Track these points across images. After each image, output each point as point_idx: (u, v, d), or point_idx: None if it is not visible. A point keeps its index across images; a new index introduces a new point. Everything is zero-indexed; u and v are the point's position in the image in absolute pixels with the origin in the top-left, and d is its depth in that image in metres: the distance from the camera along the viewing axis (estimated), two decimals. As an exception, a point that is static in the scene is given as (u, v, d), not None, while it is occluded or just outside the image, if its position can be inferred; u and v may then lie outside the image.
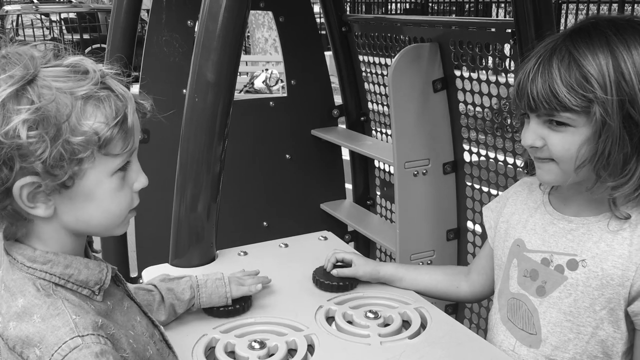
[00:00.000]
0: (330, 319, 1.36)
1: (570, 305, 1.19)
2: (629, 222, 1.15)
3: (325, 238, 1.80)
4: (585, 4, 9.39)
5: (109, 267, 0.97)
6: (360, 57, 2.73)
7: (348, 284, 1.48)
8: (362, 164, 2.87)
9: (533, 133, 1.15)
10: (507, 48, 2.03)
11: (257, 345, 1.21)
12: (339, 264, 1.53)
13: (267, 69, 9.69)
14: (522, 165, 1.38)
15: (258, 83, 9.49)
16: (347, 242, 2.59)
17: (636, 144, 1.09)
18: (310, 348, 1.25)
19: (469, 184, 2.26)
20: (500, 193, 1.52)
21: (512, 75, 1.44)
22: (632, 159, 1.10)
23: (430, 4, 12.81)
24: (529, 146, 1.17)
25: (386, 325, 1.33)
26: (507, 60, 2.06)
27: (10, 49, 0.86)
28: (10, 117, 0.80)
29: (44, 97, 0.82)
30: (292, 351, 1.24)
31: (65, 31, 12.63)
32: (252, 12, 2.42)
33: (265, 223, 2.69)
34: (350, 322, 1.33)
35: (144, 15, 5.85)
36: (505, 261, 1.34)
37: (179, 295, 1.30)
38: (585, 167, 1.12)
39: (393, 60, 2.10)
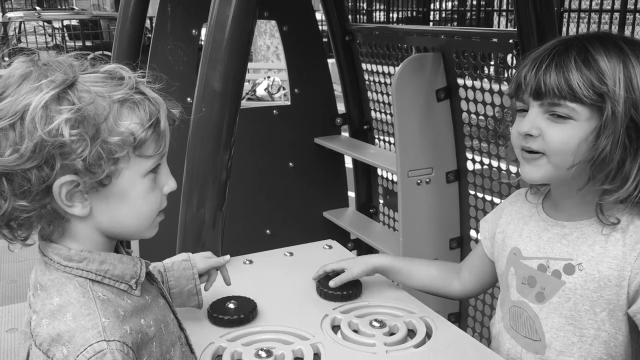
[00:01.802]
0: (336, 328, 1.37)
1: (570, 309, 1.20)
2: (620, 224, 1.16)
3: (330, 247, 1.81)
4: (587, 14, 9.43)
5: (142, 261, 0.99)
6: (363, 66, 2.74)
7: (352, 292, 1.49)
8: (365, 172, 2.88)
9: (531, 122, 1.15)
10: (509, 57, 2.05)
11: (263, 354, 1.22)
12: (330, 275, 1.53)
13: (269, 77, 9.72)
14: None
15: (260, 90, 9.52)
16: (350, 251, 2.59)
17: (635, 150, 1.11)
18: (317, 357, 1.26)
19: (472, 192, 2.27)
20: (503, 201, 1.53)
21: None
22: (628, 164, 1.12)
23: (432, 13, 12.86)
24: (525, 133, 1.16)
25: (392, 334, 1.33)
26: (510, 69, 2.07)
27: (50, 57, 0.90)
28: (53, 117, 0.84)
29: (83, 100, 0.86)
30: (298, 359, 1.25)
31: (67, 38, 12.68)
32: (255, 20, 2.43)
33: (268, 231, 2.70)
34: (355, 331, 1.34)
35: (147, 23, 5.88)
36: (504, 270, 1.35)
37: None
38: (580, 166, 1.13)
39: (397, 69, 2.12)
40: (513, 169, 2.06)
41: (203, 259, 1.38)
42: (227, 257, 1.41)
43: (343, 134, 2.83)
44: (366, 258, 1.55)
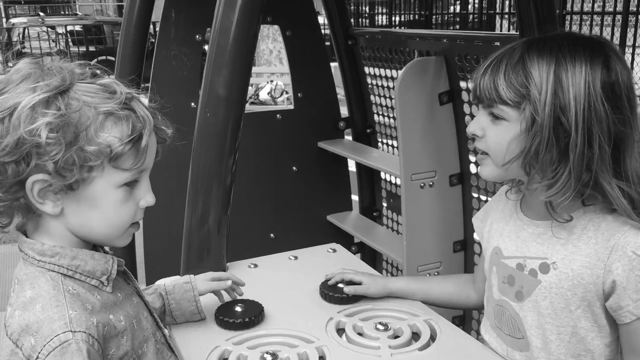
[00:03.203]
0: (340, 331, 1.38)
1: (547, 307, 1.23)
2: (592, 222, 1.18)
3: (334, 250, 1.82)
4: (589, 15, 9.43)
5: (114, 258, 1.03)
6: (366, 70, 2.75)
7: (356, 295, 1.49)
8: (368, 175, 2.88)
9: (476, 122, 1.23)
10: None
11: (269, 357, 1.22)
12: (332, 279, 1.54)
13: (272, 81, 9.74)
14: None
15: (263, 94, 9.54)
16: (354, 254, 2.60)
17: (563, 148, 1.13)
18: (322, 360, 1.27)
19: (475, 195, 2.28)
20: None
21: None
22: (560, 163, 1.14)
23: (434, 16, 12.86)
24: (471, 133, 1.24)
25: (396, 337, 1.34)
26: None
27: (55, 62, 0.96)
28: (37, 118, 0.89)
29: (70, 107, 0.91)
30: (303, 363, 1.25)
31: (71, 43, 12.72)
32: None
33: (272, 235, 2.71)
34: (360, 334, 1.35)
35: (150, 28, 5.90)
36: (488, 269, 1.38)
37: (152, 305, 1.31)
38: (515, 164, 1.18)
39: (399, 73, 2.13)
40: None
41: (204, 282, 1.40)
42: (229, 282, 1.43)
43: (346, 137, 2.84)
44: (385, 282, 1.54)
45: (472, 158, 2.26)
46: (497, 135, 1.19)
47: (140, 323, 1.05)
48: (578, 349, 1.22)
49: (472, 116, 2.20)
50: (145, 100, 2.46)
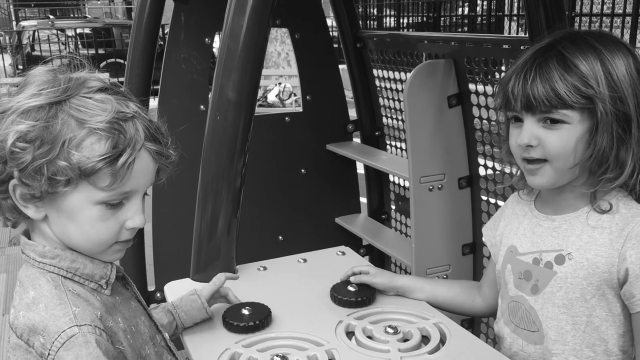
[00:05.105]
0: (350, 334, 1.38)
1: (562, 298, 1.24)
2: (607, 213, 1.21)
3: (343, 253, 1.82)
4: (598, 17, 9.39)
5: (113, 264, 1.05)
6: (375, 72, 2.75)
7: (365, 299, 1.50)
8: (377, 178, 2.88)
9: (529, 132, 1.21)
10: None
11: (278, 360, 1.23)
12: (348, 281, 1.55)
13: (280, 83, 9.77)
14: None
15: (271, 97, 9.57)
16: (362, 256, 2.60)
17: (628, 138, 1.17)
18: (331, 363, 1.27)
19: (485, 198, 2.27)
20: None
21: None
22: (622, 153, 1.17)
23: (442, 18, 12.83)
24: (525, 144, 1.21)
25: (405, 340, 1.34)
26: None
27: (76, 73, 0.98)
28: (15, 125, 0.91)
29: (53, 119, 0.91)
30: (313, 366, 1.26)
31: (80, 46, 12.79)
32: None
33: (280, 237, 2.71)
34: (370, 337, 1.35)
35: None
36: (501, 268, 1.39)
37: (160, 322, 1.31)
38: (581, 164, 1.19)
39: (408, 76, 2.13)
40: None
41: (207, 287, 1.41)
42: (222, 277, 1.43)
43: (355, 140, 2.84)
44: (393, 276, 1.56)
45: (480, 161, 2.26)
46: (560, 140, 1.18)
47: (138, 327, 1.07)
48: (593, 339, 1.23)
49: (481, 119, 2.20)
50: (154, 102, 2.47)
